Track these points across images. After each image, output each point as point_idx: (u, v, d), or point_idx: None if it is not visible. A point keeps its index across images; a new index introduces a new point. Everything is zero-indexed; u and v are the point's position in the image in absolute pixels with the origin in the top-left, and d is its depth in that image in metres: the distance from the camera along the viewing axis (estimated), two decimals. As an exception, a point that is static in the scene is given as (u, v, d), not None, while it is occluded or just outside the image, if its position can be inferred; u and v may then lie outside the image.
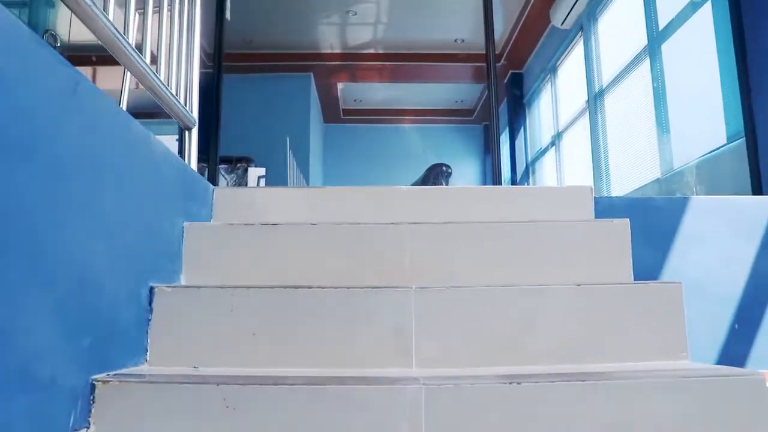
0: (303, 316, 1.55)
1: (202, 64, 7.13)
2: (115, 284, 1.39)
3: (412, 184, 5.62)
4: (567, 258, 1.82)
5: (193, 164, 2.26)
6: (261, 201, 2.17)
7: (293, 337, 1.54)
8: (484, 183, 10.03)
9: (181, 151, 2.30)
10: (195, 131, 2.29)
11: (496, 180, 3.85)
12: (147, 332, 1.55)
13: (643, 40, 5.41)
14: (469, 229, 1.85)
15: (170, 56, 2.12)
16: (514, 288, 1.58)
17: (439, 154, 9.67)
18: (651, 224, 2.21)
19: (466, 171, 10.01)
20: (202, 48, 7.26)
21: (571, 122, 7.04)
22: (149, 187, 1.59)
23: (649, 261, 2.09)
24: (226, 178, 7.01)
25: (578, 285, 1.59)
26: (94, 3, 1.45)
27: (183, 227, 1.84)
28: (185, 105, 2.24)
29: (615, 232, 1.87)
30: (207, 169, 4.10)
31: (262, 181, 6.23)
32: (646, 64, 5.36)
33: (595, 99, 6.34)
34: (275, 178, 7.51)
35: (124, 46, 1.64)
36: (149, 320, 1.56)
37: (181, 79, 2.19)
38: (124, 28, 1.72)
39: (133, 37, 1.71)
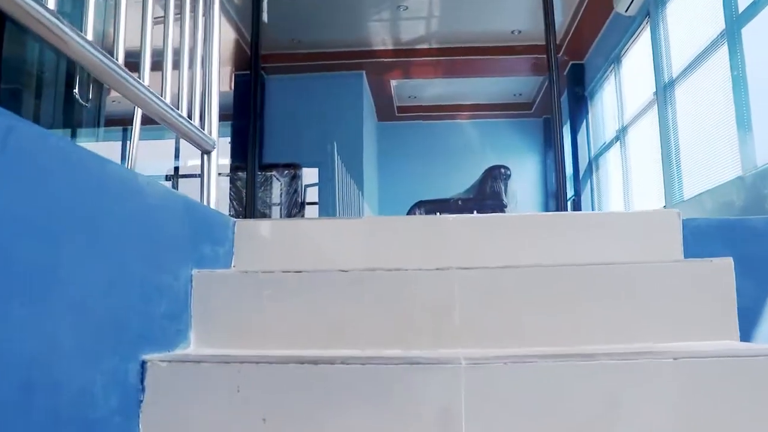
0: (323, 399, 1.23)
1: (248, 67, 6.86)
2: (86, 370, 1.10)
3: (470, 187, 5.26)
4: (654, 312, 1.45)
5: (213, 192, 1.98)
6: (287, 236, 1.87)
7: (310, 424, 1.23)
8: (545, 179, 9.55)
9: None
10: (215, 155, 2.00)
11: (560, 188, 3.45)
12: (138, 416, 1.26)
13: (719, 25, 4.88)
14: (530, 276, 1.49)
15: (181, 73, 1.83)
16: (591, 363, 1.22)
17: (497, 149, 9.26)
18: (757, 253, 1.79)
19: (526, 167, 9.55)
20: (249, 49, 7.01)
21: (637, 115, 6.52)
22: (136, 240, 1.30)
23: (756, 304, 1.69)
24: (280, 181, 6.79)
25: (675, 359, 1.22)
26: (59, 20, 1.17)
27: (191, 276, 1.55)
28: (202, 127, 1.96)
29: (714, 276, 1.49)
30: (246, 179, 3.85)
31: (311, 192, 5.97)
32: (724, 50, 4.83)
33: (664, 90, 5.81)
34: (329, 179, 7.28)
35: (111, 68, 1.35)
36: (141, 401, 1.27)
37: (195, 98, 1.90)
38: (114, 44, 1.44)
39: (122, 55, 1.43)
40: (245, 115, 7.36)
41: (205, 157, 1.98)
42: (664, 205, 5.79)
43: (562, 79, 8.39)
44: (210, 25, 2.06)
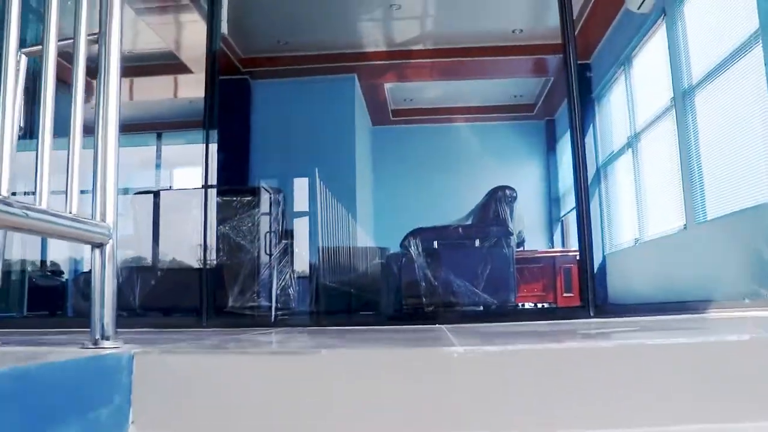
0: None
1: (232, 71, 6.29)
2: None
3: (472, 211, 4.63)
4: None
5: (110, 308, 1.34)
6: (211, 381, 1.23)
7: None
8: (549, 184, 8.89)
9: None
10: (110, 248, 1.36)
11: (583, 220, 2.81)
12: None
13: (751, 24, 4.23)
14: None
15: (40, 136, 1.19)
16: None
17: (498, 153, 8.60)
18: None
19: (527, 171, 8.89)
20: (233, 53, 6.41)
21: (652, 122, 5.87)
22: None
23: None
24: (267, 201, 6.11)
25: None
26: None
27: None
28: (92, 215, 1.33)
29: None
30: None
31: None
32: (757, 53, 4.19)
33: (683, 96, 5.16)
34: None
35: None
36: None
37: (72, 179, 1.26)
38: None
39: None
40: (227, 124, 6.73)
41: (97, 252, 1.35)
42: (684, 224, 5.16)
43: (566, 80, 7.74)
44: (106, 70, 1.42)
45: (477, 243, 4.17)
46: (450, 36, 7.17)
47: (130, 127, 8.64)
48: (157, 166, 8.16)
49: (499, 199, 4.27)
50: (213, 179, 3.45)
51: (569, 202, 8.27)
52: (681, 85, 5.18)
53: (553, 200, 8.76)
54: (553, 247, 8.34)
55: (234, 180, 7.06)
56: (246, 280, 4.16)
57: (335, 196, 7.06)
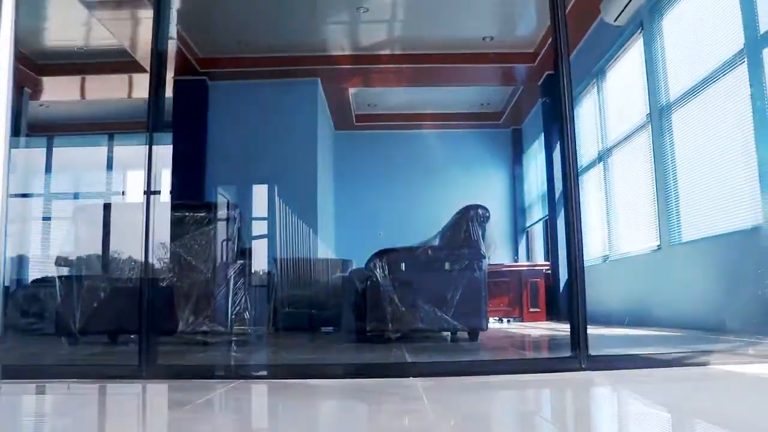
0: None
1: (189, 71, 5.80)
2: None
3: (441, 231, 4.29)
4: None
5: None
6: None
7: None
8: (514, 194, 8.65)
9: None
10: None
11: (575, 276, 2.49)
12: None
13: (735, 44, 4.01)
14: None
15: None
16: None
17: (463, 162, 8.33)
18: None
19: (493, 180, 8.64)
20: (190, 52, 5.94)
21: (625, 137, 5.64)
22: None
23: None
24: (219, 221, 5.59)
25: None
26: None
27: None
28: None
29: None
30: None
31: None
32: (741, 72, 3.96)
33: (660, 113, 4.93)
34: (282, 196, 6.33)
35: None
36: None
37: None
38: None
39: None
40: (183, 126, 6.26)
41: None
42: (658, 244, 4.93)
43: (535, 89, 7.50)
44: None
45: (447, 266, 3.85)
46: (418, 41, 6.84)
47: (79, 127, 8.11)
48: (109, 168, 7.65)
49: (471, 218, 3.95)
50: (159, 185, 3.05)
51: (535, 213, 8.05)
52: (658, 101, 4.95)
53: (519, 210, 8.53)
54: (517, 259, 8.10)
55: (188, 184, 6.62)
56: (200, 302, 3.76)
57: (296, 202, 6.69)
